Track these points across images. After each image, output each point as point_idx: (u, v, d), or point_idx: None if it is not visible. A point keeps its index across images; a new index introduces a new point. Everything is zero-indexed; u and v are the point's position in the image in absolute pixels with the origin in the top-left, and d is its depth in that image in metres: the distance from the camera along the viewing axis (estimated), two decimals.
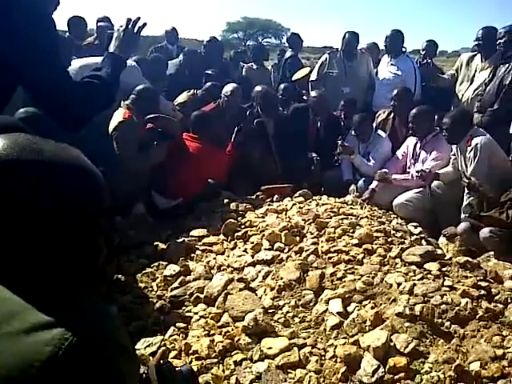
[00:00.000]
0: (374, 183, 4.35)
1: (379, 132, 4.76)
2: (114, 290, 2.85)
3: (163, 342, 2.33)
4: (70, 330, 0.67)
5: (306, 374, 2.09)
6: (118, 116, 3.78)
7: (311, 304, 2.50)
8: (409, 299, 2.36)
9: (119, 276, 3.03)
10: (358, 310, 2.38)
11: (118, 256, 3.27)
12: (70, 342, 0.66)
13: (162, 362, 1.14)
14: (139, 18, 2.14)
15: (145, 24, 2.15)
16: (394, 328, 2.20)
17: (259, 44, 7.78)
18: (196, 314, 2.58)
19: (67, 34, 5.28)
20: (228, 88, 4.81)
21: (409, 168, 4.46)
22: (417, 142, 4.40)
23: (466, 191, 3.72)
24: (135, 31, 2.13)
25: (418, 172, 4.02)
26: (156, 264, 3.12)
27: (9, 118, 2.50)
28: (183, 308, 2.67)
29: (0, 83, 1.70)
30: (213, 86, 4.94)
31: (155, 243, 3.42)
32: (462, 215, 3.71)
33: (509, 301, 2.41)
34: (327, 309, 2.42)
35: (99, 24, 5.53)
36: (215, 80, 5.12)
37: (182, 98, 4.93)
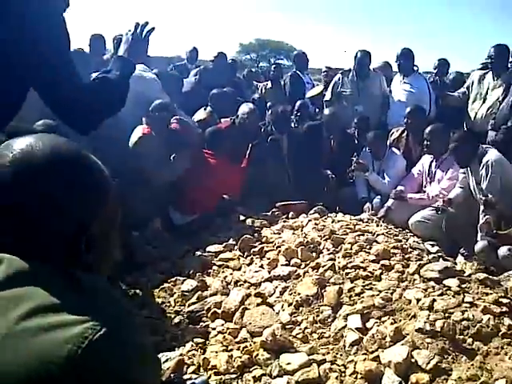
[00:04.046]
0: (390, 201, 4.32)
1: (393, 149, 4.76)
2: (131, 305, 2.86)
3: (182, 357, 2.32)
4: (90, 327, 0.66)
5: None
6: (138, 132, 3.85)
7: (329, 320, 2.48)
8: (429, 315, 2.33)
9: (136, 291, 3.04)
10: (378, 325, 2.36)
11: (134, 271, 3.30)
12: (90, 340, 0.65)
13: (173, 374, 1.13)
14: (147, 23, 2.16)
15: (153, 28, 2.16)
16: (414, 344, 2.17)
17: (276, 63, 7.80)
18: (214, 329, 2.57)
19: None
20: (245, 109, 4.82)
21: (424, 187, 4.43)
22: (432, 161, 4.38)
23: (482, 209, 3.69)
24: (143, 35, 2.16)
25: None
26: (173, 279, 3.13)
27: (30, 128, 2.54)
28: (201, 323, 2.67)
29: (11, 87, 1.71)
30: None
31: (172, 259, 3.43)
32: (479, 234, 3.67)
33: None
34: (346, 325, 2.40)
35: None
36: (227, 99, 5.15)
37: (201, 115, 4.98)
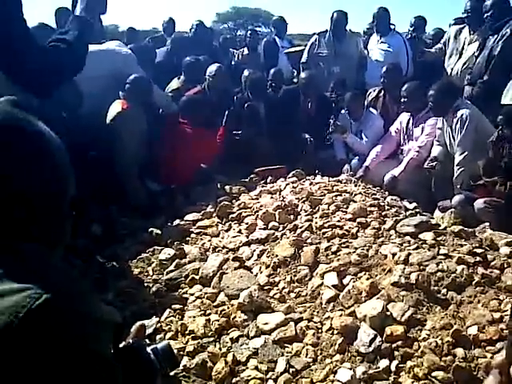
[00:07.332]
0: (368, 161, 4.32)
1: (371, 109, 4.72)
2: (109, 277, 2.83)
3: (159, 324, 2.31)
4: (29, 296, 0.63)
5: (303, 347, 2.08)
6: (116, 107, 3.77)
7: (307, 279, 2.49)
8: (404, 268, 2.34)
9: (114, 263, 3.01)
10: (354, 281, 2.36)
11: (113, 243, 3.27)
12: (29, 309, 0.62)
13: (131, 340, 1.08)
14: None
15: None
16: (389, 297, 2.18)
17: (252, 29, 7.53)
18: (192, 295, 2.56)
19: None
20: (212, 68, 4.78)
21: (402, 145, 4.44)
22: (409, 119, 4.36)
23: (456, 162, 3.69)
24: None
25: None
26: (151, 249, 3.10)
27: None
28: (179, 290, 2.66)
29: None
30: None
31: (150, 229, 3.40)
32: (456, 187, 3.68)
33: (505, 266, 2.39)
34: (323, 282, 2.41)
35: None
36: (201, 67, 5.04)
37: (175, 84, 4.88)
